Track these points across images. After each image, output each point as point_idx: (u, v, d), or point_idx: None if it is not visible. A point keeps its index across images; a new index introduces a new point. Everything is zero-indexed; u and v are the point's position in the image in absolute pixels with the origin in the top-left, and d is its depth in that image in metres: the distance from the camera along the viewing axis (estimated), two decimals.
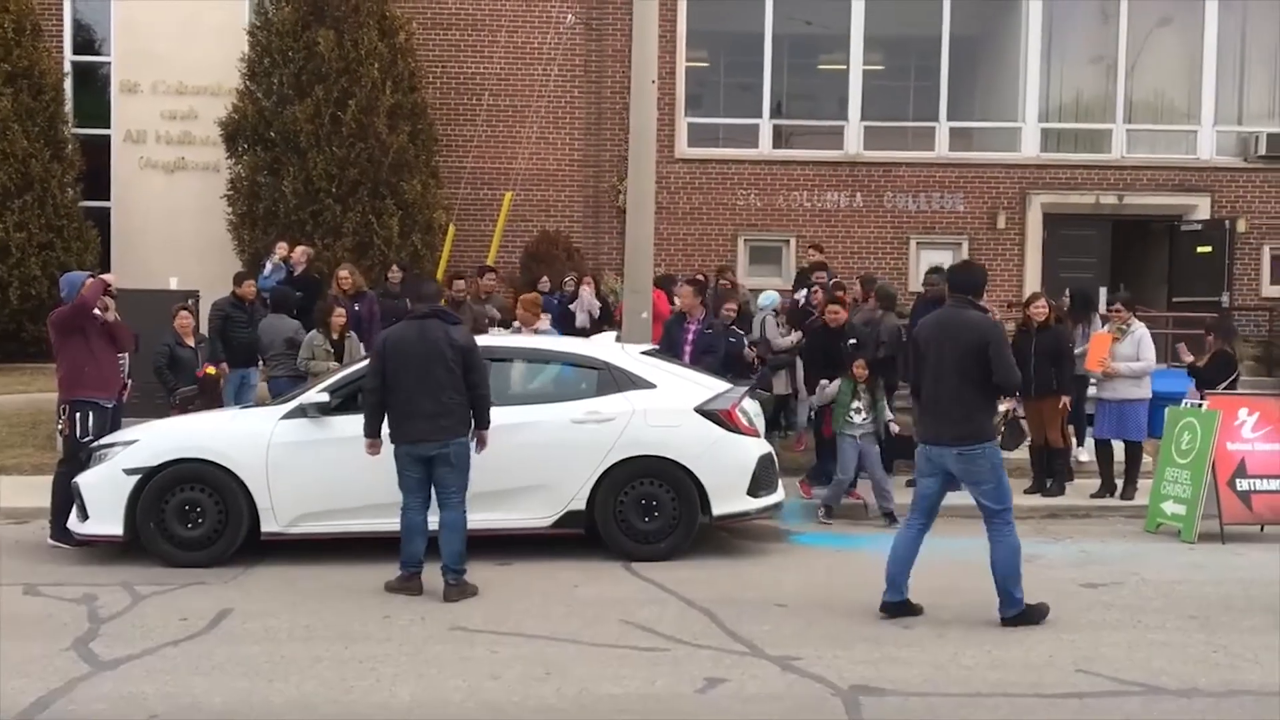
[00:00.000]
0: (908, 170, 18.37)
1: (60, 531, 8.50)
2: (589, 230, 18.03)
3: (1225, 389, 9.84)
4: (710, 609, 6.95)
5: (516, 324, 11.34)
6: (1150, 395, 10.53)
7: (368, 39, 15.73)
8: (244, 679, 5.68)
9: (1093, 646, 6.24)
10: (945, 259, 16.97)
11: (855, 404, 9.74)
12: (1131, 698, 5.50)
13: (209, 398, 10.53)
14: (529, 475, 8.18)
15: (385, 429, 7.36)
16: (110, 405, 8.73)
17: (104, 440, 8.43)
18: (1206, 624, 6.74)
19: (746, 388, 9.19)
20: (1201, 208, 18.45)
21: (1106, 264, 18.67)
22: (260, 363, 11.50)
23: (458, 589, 7.16)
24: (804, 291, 12.78)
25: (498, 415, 7.63)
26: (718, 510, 8.38)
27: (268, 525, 8.13)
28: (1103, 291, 16.55)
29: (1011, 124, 18.71)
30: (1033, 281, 17.43)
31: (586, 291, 13.51)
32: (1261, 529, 9.32)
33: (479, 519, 7.57)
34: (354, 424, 7.87)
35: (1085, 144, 18.85)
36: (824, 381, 10.11)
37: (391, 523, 7.49)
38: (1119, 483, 10.51)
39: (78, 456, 8.46)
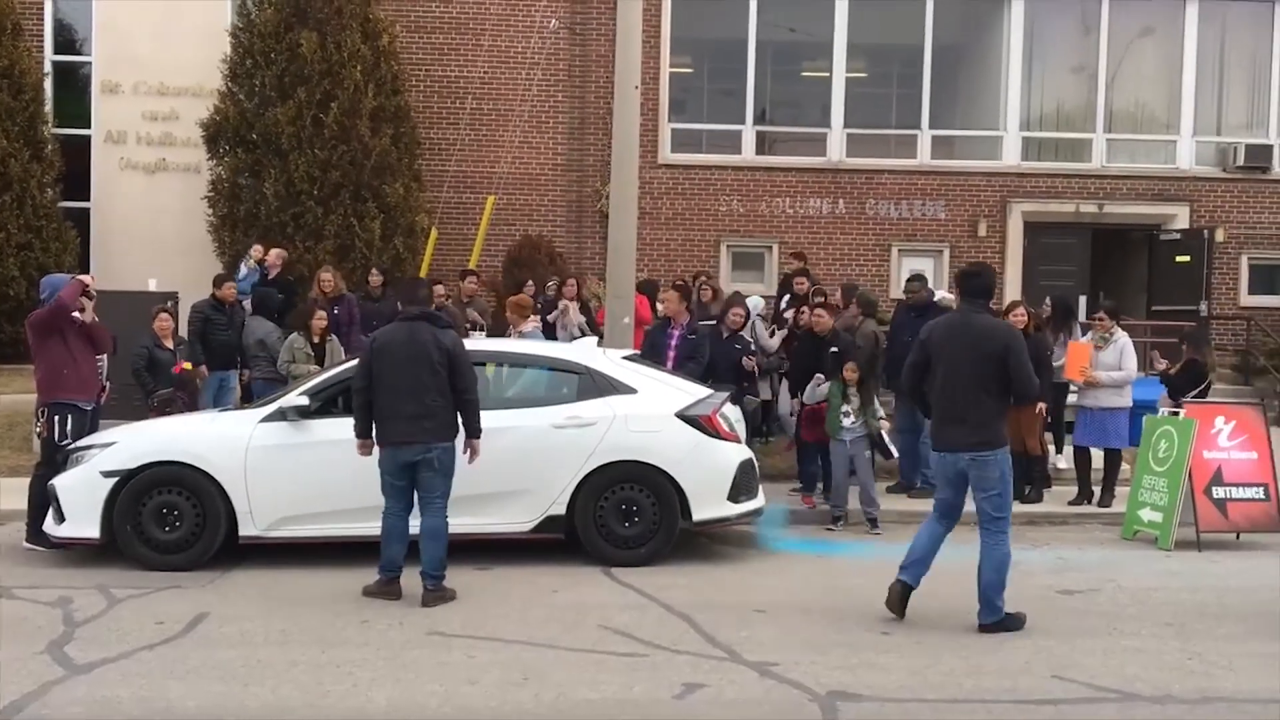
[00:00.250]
0: (890, 178, 18.43)
1: (36, 534, 8.45)
2: (571, 235, 18.01)
3: (1194, 398, 9.92)
4: (689, 614, 6.95)
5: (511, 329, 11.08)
6: (1131, 404, 10.59)
7: (350, 41, 15.68)
8: (219, 683, 5.65)
9: (1069, 653, 6.27)
10: (927, 266, 17.09)
11: (845, 407, 9.76)
12: (1107, 704, 5.54)
13: (187, 395, 10.44)
14: (509, 480, 8.14)
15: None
16: (89, 408, 8.66)
17: (81, 442, 8.37)
18: (1182, 631, 6.78)
19: (728, 394, 9.18)
20: (1181, 217, 18.60)
21: (1086, 272, 18.79)
22: (240, 365, 11.43)
23: (436, 594, 7.14)
24: (787, 298, 12.77)
25: None
26: (698, 515, 8.37)
27: (246, 529, 8.09)
28: (1082, 300, 16.69)
29: (993, 132, 18.81)
30: (1013, 289, 17.46)
31: (572, 309, 12.87)
32: (1237, 537, 9.39)
33: (458, 523, 7.52)
34: (334, 428, 7.88)
35: (1066, 153, 18.96)
36: (819, 376, 10.03)
37: (371, 527, 7.46)
38: (1096, 490, 10.57)
39: (55, 459, 8.40)
